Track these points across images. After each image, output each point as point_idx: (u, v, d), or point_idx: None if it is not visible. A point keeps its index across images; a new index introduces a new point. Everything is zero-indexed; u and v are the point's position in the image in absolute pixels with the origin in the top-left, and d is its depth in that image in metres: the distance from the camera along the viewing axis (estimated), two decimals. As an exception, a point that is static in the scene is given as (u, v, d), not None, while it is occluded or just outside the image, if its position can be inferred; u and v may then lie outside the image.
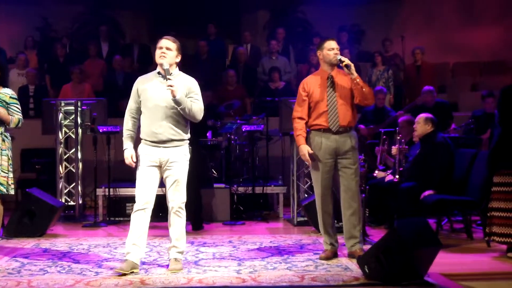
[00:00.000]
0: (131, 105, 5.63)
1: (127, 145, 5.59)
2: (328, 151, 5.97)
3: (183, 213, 5.64)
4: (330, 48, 6.05)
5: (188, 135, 5.64)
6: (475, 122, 9.18)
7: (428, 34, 13.35)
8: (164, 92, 5.44)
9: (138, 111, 5.61)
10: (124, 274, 5.37)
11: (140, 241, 5.52)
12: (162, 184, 5.68)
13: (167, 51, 5.51)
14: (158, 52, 5.54)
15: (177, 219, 5.60)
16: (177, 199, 5.58)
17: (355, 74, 5.95)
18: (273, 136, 9.63)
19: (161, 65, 5.49)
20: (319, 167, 6.01)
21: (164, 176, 5.59)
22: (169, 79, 5.41)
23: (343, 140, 5.98)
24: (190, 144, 5.70)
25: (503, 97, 6.03)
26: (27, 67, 11.51)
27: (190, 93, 5.53)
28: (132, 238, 5.50)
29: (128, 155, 5.55)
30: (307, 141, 6.06)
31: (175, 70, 5.60)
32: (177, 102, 5.39)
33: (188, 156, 5.65)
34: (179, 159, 5.54)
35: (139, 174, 5.56)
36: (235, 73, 11.38)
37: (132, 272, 5.43)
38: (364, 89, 5.95)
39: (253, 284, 5.15)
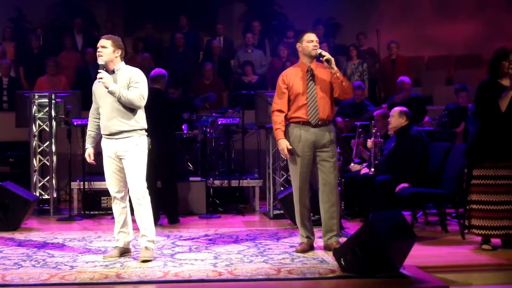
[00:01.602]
0: (92, 106, 5.96)
1: (87, 144, 5.95)
2: (307, 144, 5.97)
3: (145, 201, 5.71)
4: (309, 40, 6.04)
5: (140, 125, 5.76)
6: (448, 115, 9.24)
7: (403, 27, 13.40)
8: None
9: (99, 112, 5.88)
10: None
11: (125, 228, 5.85)
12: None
13: (102, 49, 5.72)
14: (97, 52, 5.75)
15: (140, 208, 5.71)
16: (134, 188, 5.70)
17: (335, 69, 5.94)
18: (249, 129, 9.62)
19: (98, 61, 5.72)
20: (298, 160, 6.00)
21: (123, 167, 5.78)
22: (98, 72, 5.65)
23: (322, 133, 5.98)
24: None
25: (482, 90, 6.05)
26: (4, 59, 11.37)
27: (130, 83, 5.70)
28: (117, 227, 5.88)
29: (86, 155, 5.91)
30: (286, 133, 6.06)
31: (118, 64, 5.76)
32: (111, 93, 5.62)
33: (141, 146, 5.75)
34: (130, 149, 5.69)
35: (104, 166, 5.84)
36: (212, 66, 11.34)
37: (125, 256, 5.83)
38: (343, 83, 5.95)
39: (230, 277, 5.15)
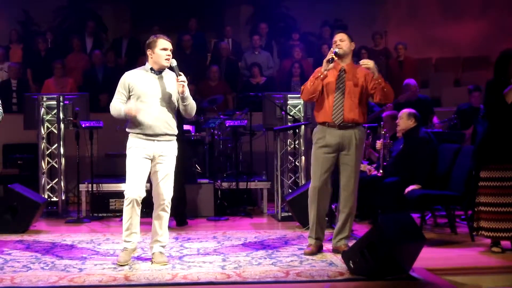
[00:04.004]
0: (119, 97, 5.66)
1: (124, 104, 5.60)
2: (331, 146, 5.93)
3: (169, 208, 5.75)
4: (334, 41, 6.05)
5: (176, 131, 5.75)
6: (460, 116, 9.19)
7: (411, 29, 13.39)
8: (159, 87, 5.63)
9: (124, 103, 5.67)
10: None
11: (136, 230, 5.69)
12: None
13: (171, 53, 5.67)
14: (163, 54, 5.62)
15: (164, 214, 5.71)
16: (167, 193, 5.68)
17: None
18: (256, 131, 9.62)
19: (171, 63, 5.65)
20: (320, 161, 5.96)
21: (153, 170, 5.66)
22: (180, 75, 5.58)
23: (348, 135, 5.92)
24: (177, 140, 5.78)
25: (488, 91, 6.04)
26: (7, 61, 11.40)
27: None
28: (129, 229, 5.65)
29: (132, 104, 5.53)
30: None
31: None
32: (184, 98, 5.61)
33: (176, 152, 5.75)
34: (170, 153, 5.67)
35: (132, 166, 5.60)
36: (218, 68, 11.35)
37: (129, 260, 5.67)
38: (385, 89, 5.87)
39: (238, 280, 5.14)
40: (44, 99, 8.82)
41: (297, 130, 8.45)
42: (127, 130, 5.69)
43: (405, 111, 7.47)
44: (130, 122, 5.64)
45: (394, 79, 11.31)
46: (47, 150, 8.91)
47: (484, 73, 12.12)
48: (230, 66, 11.86)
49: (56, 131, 8.83)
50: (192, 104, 5.70)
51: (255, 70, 11.37)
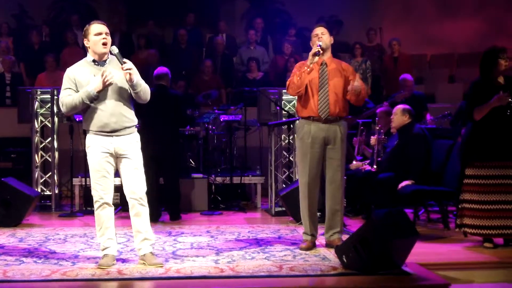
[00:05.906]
0: (68, 93, 5.23)
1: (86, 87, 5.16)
2: (317, 140, 5.92)
3: (146, 201, 5.40)
4: (314, 35, 6.02)
5: (136, 120, 5.40)
6: (459, 113, 9.17)
7: (406, 26, 13.41)
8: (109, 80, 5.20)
9: None
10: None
11: (114, 234, 5.43)
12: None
13: (107, 36, 5.24)
14: (98, 39, 5.19)
15: (143, 209, 5.36)
16: (139, 187, 5.33)
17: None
18: (251, 126, 9.61)
19: (111, 51, 5.24)
20: (307, 156, 5.95)
21: (120, 167, 5.35)
22: (125, 62, 5.18)
23: (333, 129, 5.93)
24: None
25: (474, 90, 6.06)
26: (9, 54, 11.38)
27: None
28: (107, 233, 5.37)
29: (99, 77, 5.12)
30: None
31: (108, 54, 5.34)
32: (134, 86, 5.20)
33: (140, 142, 5.42)
34: (134, 146, 5.34)
35: (96, 166, 5.29)
36: (212, 63, 11.33)
37: (113, 265, 5.35)
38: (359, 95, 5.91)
39: (231, 274, 5.14)
40: (38, 92, 8.80)
41: (291, 125, 8.43)
42: (84, 128, 5.38)
43: (400, 107, 7.48)
44: (86, 119, 5.29)
45: (389, 75, 11.34)
46: (41, 143, 8.89)
47: (479, 70, 12.12)
48: (224, 61, 11.84)
49: (49, 125, 8.82)
50: (145, 89, 5.27)
51: (253, 65, 11.34)
